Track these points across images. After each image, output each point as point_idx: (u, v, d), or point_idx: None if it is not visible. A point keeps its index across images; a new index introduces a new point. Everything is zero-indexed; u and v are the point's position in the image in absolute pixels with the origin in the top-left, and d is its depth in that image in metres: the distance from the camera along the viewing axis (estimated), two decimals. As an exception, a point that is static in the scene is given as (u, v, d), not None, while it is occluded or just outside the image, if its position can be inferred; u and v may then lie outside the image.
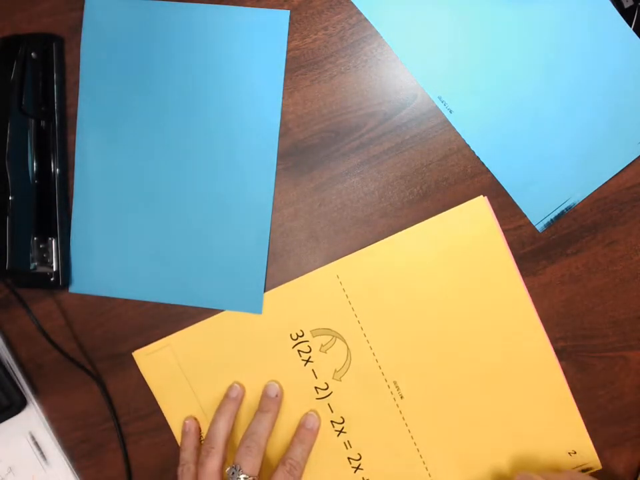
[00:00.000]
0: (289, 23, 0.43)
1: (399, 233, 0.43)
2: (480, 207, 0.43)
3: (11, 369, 0.46)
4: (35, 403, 0.47)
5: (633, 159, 0.43)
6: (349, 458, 0.45)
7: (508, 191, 0.43)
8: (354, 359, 0.44)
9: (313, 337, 0.44)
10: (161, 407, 0.46)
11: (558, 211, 0.43)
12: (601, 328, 0.44)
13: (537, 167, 0.43)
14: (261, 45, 0.43)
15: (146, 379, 0.46)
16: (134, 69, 0.44)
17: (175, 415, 0.46)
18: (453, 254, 0.43)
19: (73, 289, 0.46)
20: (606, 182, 0.43)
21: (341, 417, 0.45)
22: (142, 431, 0.47)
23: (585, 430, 0.44)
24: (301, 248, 0.44)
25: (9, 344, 0.47)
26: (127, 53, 0.44)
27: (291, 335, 0.44)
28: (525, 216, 0.43)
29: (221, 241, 0.44)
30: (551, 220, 0.43)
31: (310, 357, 0.44)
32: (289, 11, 0.43)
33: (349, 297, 0.44)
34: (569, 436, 0.44)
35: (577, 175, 0.43)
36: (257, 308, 0.44)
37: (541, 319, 0.43)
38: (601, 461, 0.44)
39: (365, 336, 0.44)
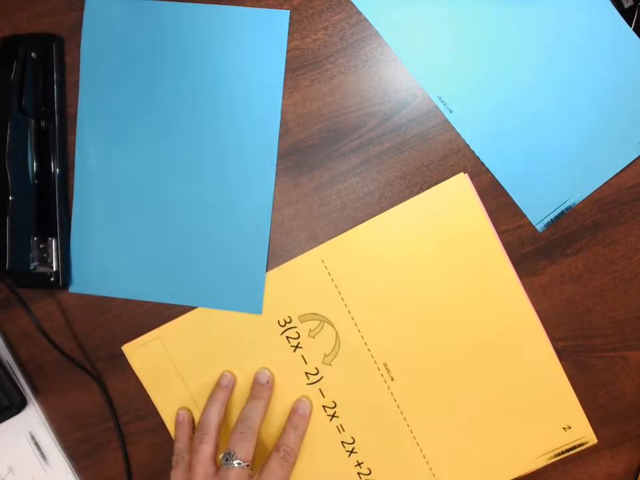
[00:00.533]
0: (289, 23, 0.43)
1: (381, 214, 0.43)
2: (461, 184, 0.43)
3: (11, 368, 0.46)
4: (35, 403, 0.47)
5: (633, 159, 0.43)
6: (342, 442, 0.45)
7: (508, 191, 0.43)
8: (343, 343, 0.44)
9: (301, 322, 0.44)
10: (152, 399, 0.46)
11: (558, 211, 0.43)
12: (601, 328, 0.44)
13: (537, 167, 0.43)
14: (261, 45, 0.43)
15: (136, 372, 0.46)
16: (133, 69, 0.44)
17: (167, 407, 0.46)
18: (435, 232, 0.43)
19: (72, 289, 0.46)
20: (606, 182, 0.43)
21: (333, 402, 0.45)
22: (142, 430, 0.47)
23: (579, 405, 0.44)
24: (301, 248, 0.44)
25: (9, 344, 0.47)
26: (126, 52, 0.44)
27: (278, 322, 0.44)
28: (525, 216, 0.43)
29: (220, 241, 0.44)
30: (551, 220, 0.43)
31: (299, 343, 0.44)
32: (289, 10, 0.43)
33: (335, 281, 0.44)
34: (563, 411, 0.44)
35: (577, 174, 0.43)
36: (257, 308, 0.44)
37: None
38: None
39: (353, 319, 0.44)
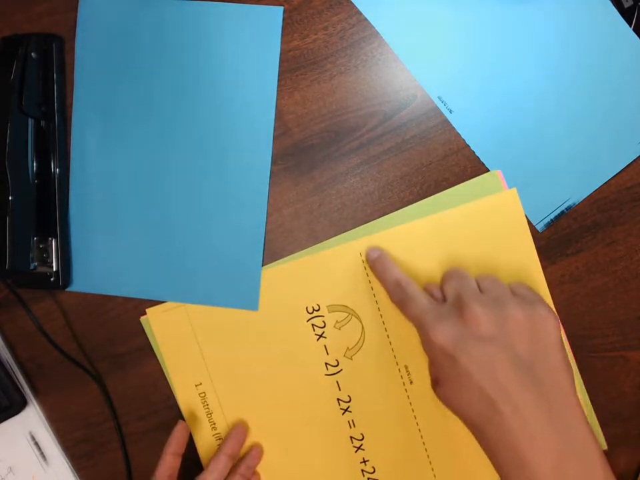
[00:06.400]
0: (289, 23, 0.43)
1: (427, 217, 0.43)
2: (511, 199, 0.43)
3: (11, 368, 0.46)
4: (35, 403, 0.47)
5: (633, 159, 0.43)
6: (351, 437, 0.45)
7: (508, 191, 0.43)
8: (367, 339, 0.44)
9: (329, 312, 0.44)
10: (167, 367, 0.45)
11: (558, 211, 0.43)
12: (601, 328, 0.44)
13: (537, 166, 0.43)
14: (255, 42, 0.43)
15: (157, 338, 0.45)
16: (126, 66, 0.44)
17: (181, 377, 0.45)
18: (477, 244, 0.43)
19: (72, 288, 0.46)
20: (606, 182, 0.43)
21: (348, 396, 0.44)
22: (142, 431, 0.47)
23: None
24: (301, 248, 0.44)
25: (9, 344, 0.47)
26: (118, 50, 0.44)
27: (307, 308, 0.44)
28: (525, 216, 0.43)
29: (217, 238, 0.44)
30: (551, 220, 0.43)
31: (323, 332, 0.44)
32: (282, 7, 0.43)
33: (370, 276, 0.43)
34: None
35: (577, 174, 0.43)
36: (253, 305, 0.44)
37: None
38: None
39: (382, 317, 0.43)
